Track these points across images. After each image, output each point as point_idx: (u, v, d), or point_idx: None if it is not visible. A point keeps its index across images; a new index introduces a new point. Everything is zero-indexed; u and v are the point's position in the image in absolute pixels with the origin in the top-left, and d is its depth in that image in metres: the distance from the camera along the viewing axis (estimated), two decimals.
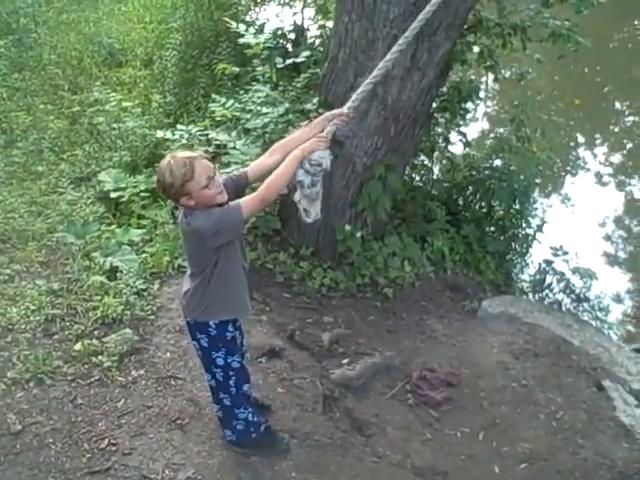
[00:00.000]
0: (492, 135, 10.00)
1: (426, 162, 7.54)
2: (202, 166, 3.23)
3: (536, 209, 7.70)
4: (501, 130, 9.36)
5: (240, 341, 3.85)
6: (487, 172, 7.11)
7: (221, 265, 3.40)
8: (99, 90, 7.60)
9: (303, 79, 6.20)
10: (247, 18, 8.50)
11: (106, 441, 3.91)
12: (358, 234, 5.92)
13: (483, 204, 7.20)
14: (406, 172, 6.74)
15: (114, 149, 7.03)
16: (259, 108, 5.86)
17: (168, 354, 4.64)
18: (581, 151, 10.90)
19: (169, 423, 4.09)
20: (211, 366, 3.68)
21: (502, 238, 7.08)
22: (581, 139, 11.26)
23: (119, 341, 4.58)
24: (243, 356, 3.84)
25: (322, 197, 3.61)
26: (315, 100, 5.78)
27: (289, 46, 7.02)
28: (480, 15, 6.14)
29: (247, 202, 3.29)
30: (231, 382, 3.71)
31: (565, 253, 6.68)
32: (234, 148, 5.59)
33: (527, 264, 7.32)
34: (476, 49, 6.59)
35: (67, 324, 4.77)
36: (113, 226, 5.84)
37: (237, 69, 7.06)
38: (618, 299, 7.26)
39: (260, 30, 7.09)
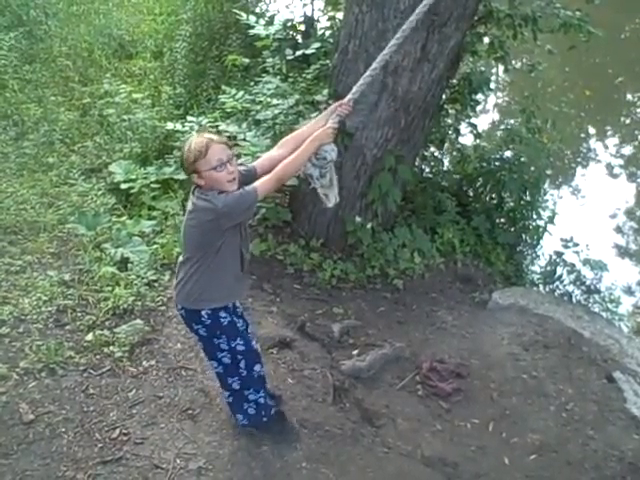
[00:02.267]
0: (502, 126, 9.97)
1: (436, 153, 7.53)
2: (217, 149, 3.33)
3: (547, 200, 7.69)
4: (511, 121, 9.35)
5: (243, 326, 3.81)
6: (497, 163, 7.09)
7: (222, 251, 3.44)
8: (109, 82, 7.61)
9: (313, 71, 6.21)
10: (257, 9, 8.51)
11: (118, 431, 3.93)
12: (368, 225, 5.93)
13: (493, 195, 7.19)
14: (416, 163, 6.74)
15: (124, 140, 7.04)
16: (269, 100, 5.88)
17: (179, 345, 4.65)
18: (592, 142, 10.85)
19: (180, 413, 4.11)
20: (216, 352, 3.68)
21: (512, 229, 7.06)
22: (592, 130, 11.22)
23: (130, 332, 4.61)
24: (249, 340, 3.79)
25: (337, 181, 3.78)
26: (325, 92, 5.78)
27: (299, 38, 7.01)
28: (490, 6, 6.12)
29: (262, 183, 3.42)
30: (241, 365, 3.72)
31: (576, 245, 6.66)
32: (244, 140, 5.60)
33: (538, 256, 7.30)
34: (486, 40, 6.58)
35: (78, 315, 4.79)
36: (124, 217, 5.85)
37: (247, 61, 7.08)
38: (629, 291, 7.23)
39: (270, 22, 7.09)
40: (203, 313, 3.54)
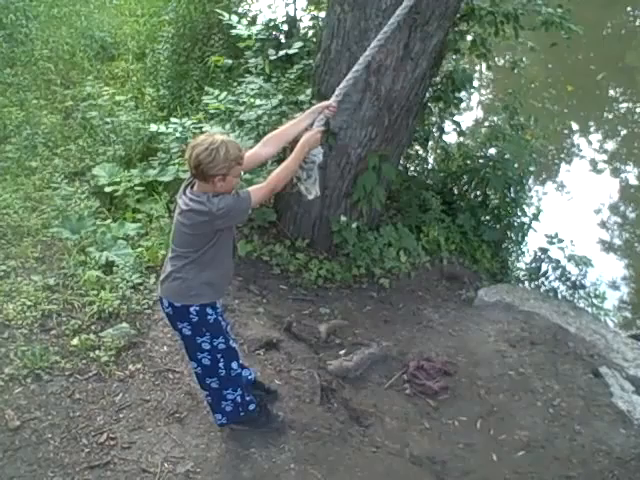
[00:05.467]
0: (486, 124, 10.00)
1: (420, 152, 7.55)
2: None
3: (531, 197, 7.72)
4: (495, 118, 9.36)
5: (225, 326, 3.83)
6: (481, 161, 7.11)
7: (216, 249, 3.48)
8: (92, 84, 7.58)
9: (296, 70, 6.20)
10: (239, 10, 8.47)
11: (105, 435, 3.93)
12: (353, 225, 5.93)
13: (478, 193, 7.21)
14: (401, 162, 6.74)
15: (108, 143, 7.00)
16: (252, 100, 5.86)
17: (165, 347, 4.64)
18: (575, 138, 10.91)
19: (167, 417, 4.10)
20: (196, 352, 3.70)
21: (497, 227, 7.07)
22: (575, 126, 11.27)
23: (116, 335, 4.59)
24: (229, 338, 3.81)
25: (319, 178, 3.89)
26: (308, 91, 5.78)
27: (282, 37, 7.00)
28: (472, 3, 6.13)
29: (257, 191, 3.50)
30: (220, 364, 3.74)
31: (560, 241, 6.67)
32: None
33: (523, 252, 7.32)
34: (469, 38, 6.59)
35: (64, 319, 4.77)
36: (108, 220, 5.82)
37: (230, 61, 7.06)
38: (614, 286, 7.28)
39: (252, 22, 7.09)
40: (192, 309, 3.55)
